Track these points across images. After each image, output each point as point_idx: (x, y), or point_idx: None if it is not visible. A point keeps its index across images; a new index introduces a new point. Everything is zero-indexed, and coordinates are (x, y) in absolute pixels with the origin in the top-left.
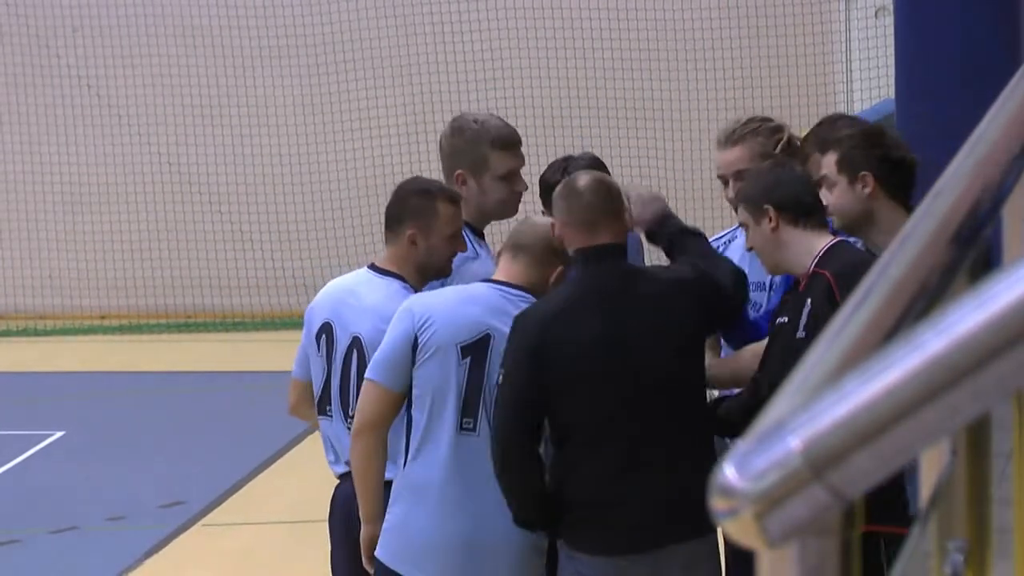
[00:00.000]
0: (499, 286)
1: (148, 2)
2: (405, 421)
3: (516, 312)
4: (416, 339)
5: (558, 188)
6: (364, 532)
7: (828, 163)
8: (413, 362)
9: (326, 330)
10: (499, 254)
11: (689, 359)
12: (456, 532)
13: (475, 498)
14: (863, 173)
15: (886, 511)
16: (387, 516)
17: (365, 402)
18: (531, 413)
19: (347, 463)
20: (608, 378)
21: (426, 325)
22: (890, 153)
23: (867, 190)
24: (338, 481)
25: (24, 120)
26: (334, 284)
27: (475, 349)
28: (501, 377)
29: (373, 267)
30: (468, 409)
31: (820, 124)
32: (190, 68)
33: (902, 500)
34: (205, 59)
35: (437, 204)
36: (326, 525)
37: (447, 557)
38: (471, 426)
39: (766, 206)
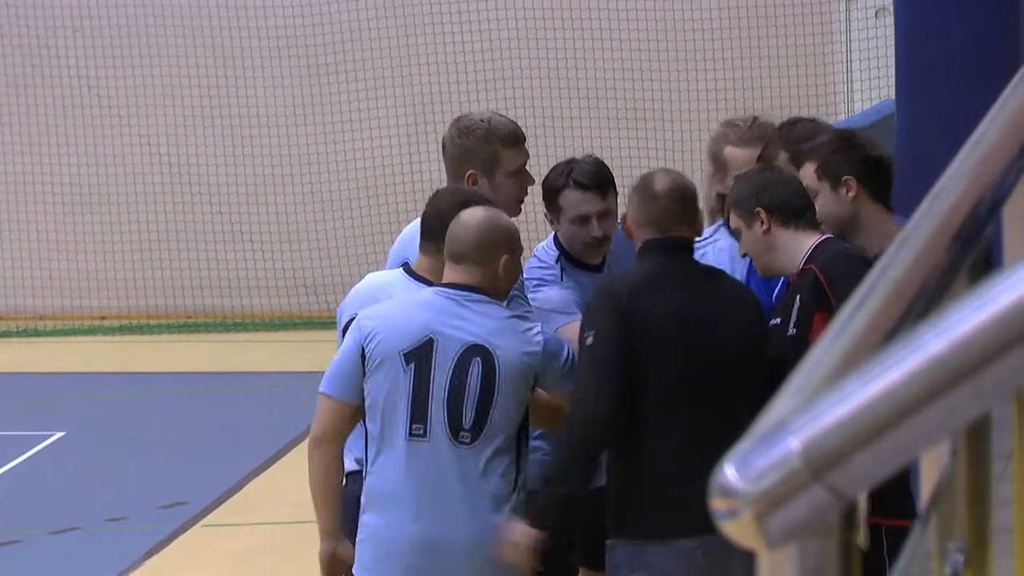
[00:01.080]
0: (447, 289)
1: (148, 3)
2: (364, 431)
3: (464, 312)
4: (363, 351)
5: (636, 185)
6: (323, 547)
7: (807, 173)
8: (364, 373)
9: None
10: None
11: (759, 348)
12: (421, 537)
13: (436, 503)
14: (846, 177)
15: (890, 504)
16: (358, 528)
17: (319, 416)
18: (622, 370)
19: (356, 460)
20: (688, 350)
21: (371, 336)
22: (868, 154)
23: (851, 194)
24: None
25: (24, 120)
26: (369, 281)
27: (417, 355)
28: (591, 339)
29: (408, 271)
30: (417, 415)
31: (783, 127)
32: (190, 68)
33: (907, 492)
34: (205, 59)
35: None
36: None
37: (410, 563)
38: (421, 432)
39: (757, 209)
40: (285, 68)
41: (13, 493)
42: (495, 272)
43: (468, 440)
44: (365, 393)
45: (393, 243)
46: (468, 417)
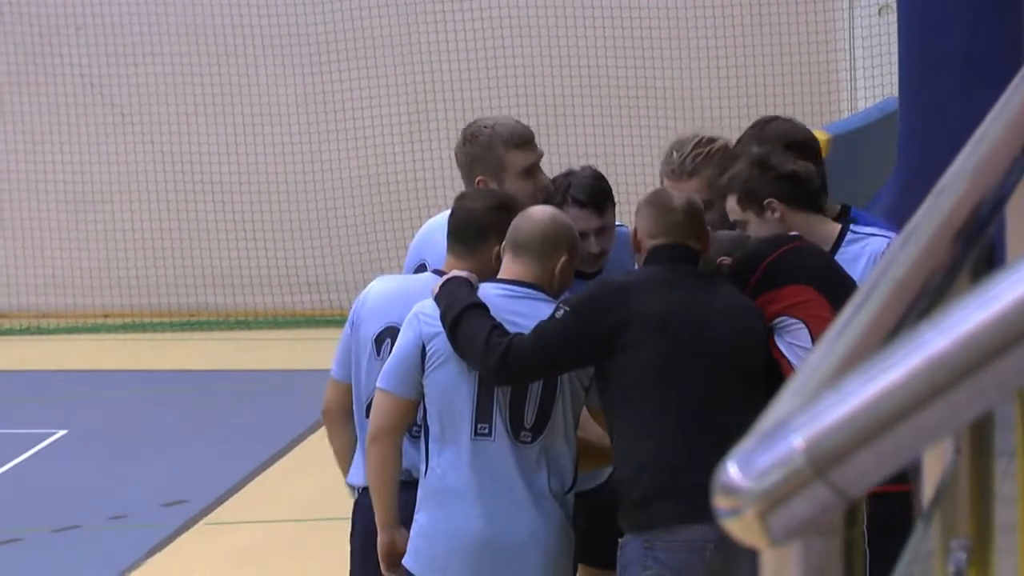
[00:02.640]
0: (504, 285)
1: (151, 0)
2: (422, 428)
3: (525, 310)
4: (424, 347)
5: (649, 198)
6: (381, 539)
7: (731, 207)
8: (422, 370)
9: (393, 335)
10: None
11: (756, 347)
12: (481, 535)
13: (497, 500)
14: (767, 200)
15: None
16: (413, 524)
17: (377, 411)
18: (576, 354)
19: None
20: (682, 344)
21: (434, 332)
22: (783, 172)
23: (777, 215)
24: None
25: (27, 118)
26: (399, 288)
27: None
28: (562, 312)
29: (438, 273)
30: (482, 415)
31: (757, 125)
32: (193, 65)
33: None
34: (208, 56)
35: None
36: (329, 524)
37: (473, 560)
38: (486, 431)
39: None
40: (288, 65)
41: (15, 491)
42: (553, 270)
43: (529, 440)
44: (425, 389)
45: (396, 240)
46: (530, 417)
